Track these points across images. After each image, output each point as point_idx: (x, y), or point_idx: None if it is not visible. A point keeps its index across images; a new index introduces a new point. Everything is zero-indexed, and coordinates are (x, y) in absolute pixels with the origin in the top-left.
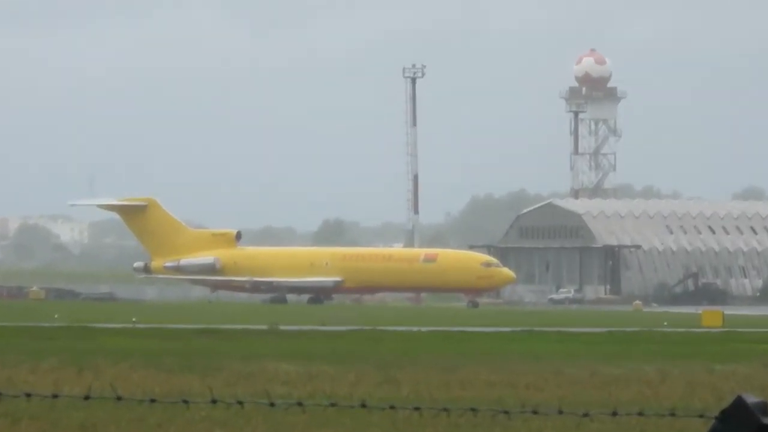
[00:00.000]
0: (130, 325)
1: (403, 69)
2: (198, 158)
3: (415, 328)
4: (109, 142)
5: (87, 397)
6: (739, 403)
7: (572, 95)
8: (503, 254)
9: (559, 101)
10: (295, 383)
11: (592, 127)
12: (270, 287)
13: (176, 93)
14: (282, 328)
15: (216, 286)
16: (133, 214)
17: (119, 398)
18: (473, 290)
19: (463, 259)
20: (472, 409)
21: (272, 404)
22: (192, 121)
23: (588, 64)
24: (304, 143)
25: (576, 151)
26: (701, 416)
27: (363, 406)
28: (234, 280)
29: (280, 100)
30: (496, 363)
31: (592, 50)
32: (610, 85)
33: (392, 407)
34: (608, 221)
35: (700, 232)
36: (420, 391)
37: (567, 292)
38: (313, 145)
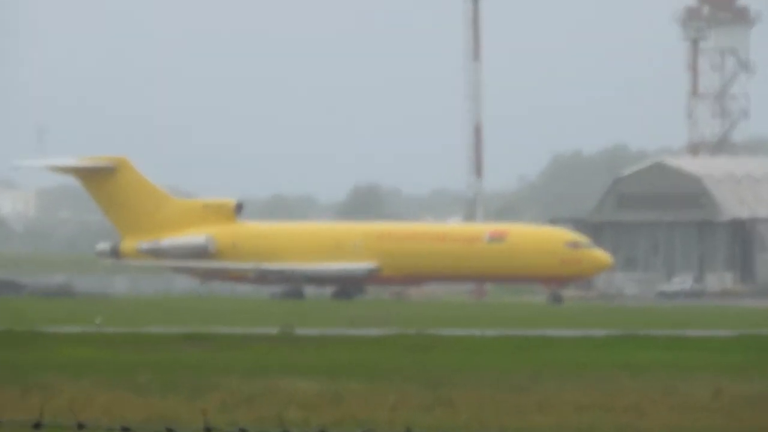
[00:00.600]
0: (94, 329)
1: None
2: (183, 106)
3: (476, 332)
4: (66, 86)
5: (38, 425)
6: None
7: (690, 18)
8: (596, 231)
9: (673, 26)
10: (316, 406)
11: (717, 60)
12: (281, 277)
13: (154, 22)
14: (298, 332)
15: (208, 275)
16: (97, 178)
17: (81, 426)
18: (555, 279)
19: (542, 238)
20: None
21: None
22: (176, 56)
23: None
24: (327, 86)
25: (695, 93)
26: None
27: None
28: (233, 268)
29: (295, 26)
30: (587, 379)
31: None
32: (739, 4)
33: None
34: (738, 187)
35: None
36: (483, 417)
37: (682, 282)
38: (339, 88)
